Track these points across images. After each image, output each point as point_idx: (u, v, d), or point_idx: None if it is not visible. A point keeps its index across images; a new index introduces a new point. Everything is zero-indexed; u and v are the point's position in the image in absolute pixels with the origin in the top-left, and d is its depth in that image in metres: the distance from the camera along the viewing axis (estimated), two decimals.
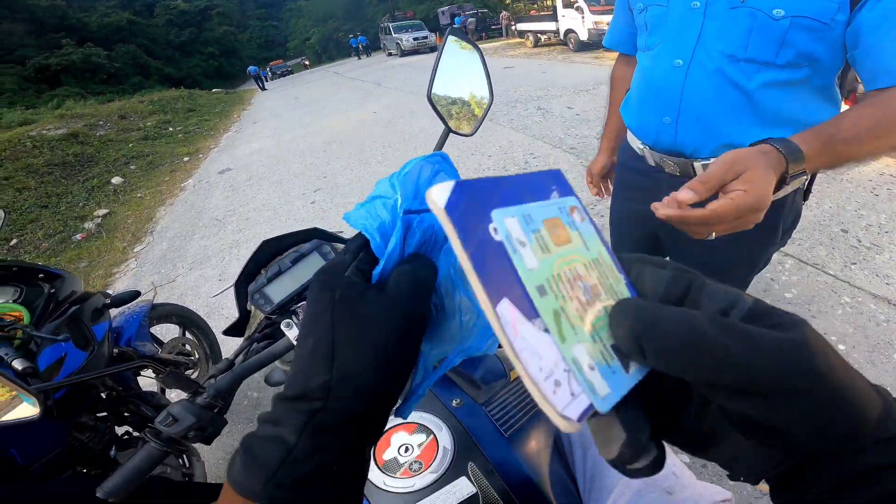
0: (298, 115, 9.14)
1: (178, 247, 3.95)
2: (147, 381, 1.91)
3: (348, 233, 0.85)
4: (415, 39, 18.97)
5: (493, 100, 0.72)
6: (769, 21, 0.78)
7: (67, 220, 5.42)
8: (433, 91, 0.65)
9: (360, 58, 25.12)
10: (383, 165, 4.43)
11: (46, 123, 9.79)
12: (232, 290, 0.78)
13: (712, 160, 0.86)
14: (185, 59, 49.31)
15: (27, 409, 0.71)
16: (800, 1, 0.76)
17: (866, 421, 0.17)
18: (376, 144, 5.24)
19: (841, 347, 1.68)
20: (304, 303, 0.70)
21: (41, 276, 1.26)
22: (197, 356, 1.89)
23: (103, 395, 1.27)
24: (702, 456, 0.22)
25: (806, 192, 1.01)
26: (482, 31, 20.51)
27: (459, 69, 0.71)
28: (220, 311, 2.75)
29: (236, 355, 0.71)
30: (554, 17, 12.73)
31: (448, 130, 0.66)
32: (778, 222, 0.96)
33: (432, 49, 19.15)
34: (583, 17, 11.33)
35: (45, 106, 16.97)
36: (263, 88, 21.38)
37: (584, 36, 11.33)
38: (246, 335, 0.77)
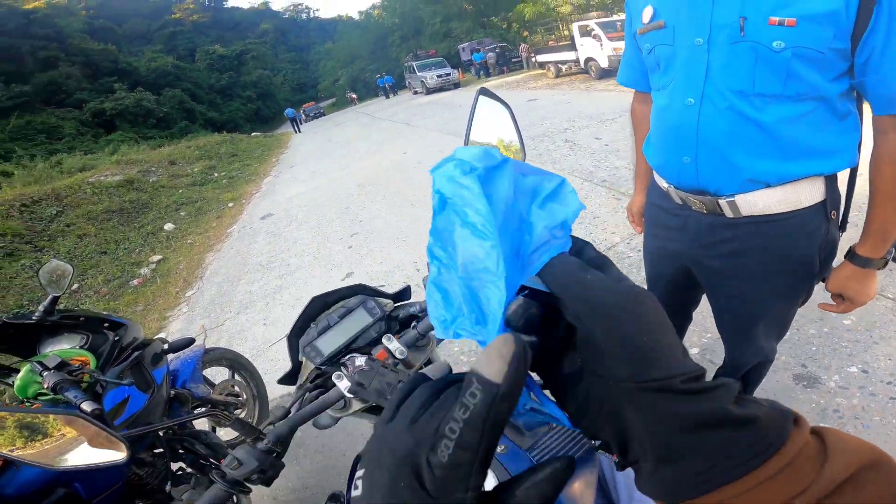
0: (333, 158, 9.52)
1: (225, 291, 4.17)
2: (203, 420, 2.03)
3: (390, 287, 0.93)
4: (438, 77, 19.42)
5: (525, 157, 0.76)
6: (771, 54, 0.80)
7: (125, 266, 5.76)
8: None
9: (387, 97, 25.92)
10: (417, 208, 4.57)
11: (104, 169, 10.48)
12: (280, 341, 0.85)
13: (738, 197, 0.91)
14: (227, 102, 51.46)
15: (110, 453, 0.75)
16: (797, 32, 0.77)
17: (663, 361, 0.23)
18: (409, 187, 5.40)
19: None
20: (353, 355, 0.75)
21: (106, 325, 1.37)
22: (245, 397, 2.02)
23: (161, 433, 1.35)
24: (562, 404, 0.28)
25: (843, 223, 0.99)
26: (503, 65, 20.66)
27: (491, 127, 0.74)
28: (265, 355, 2.90)
29: (292, 404, 0.75)
30: (573, 47, 12.86)
31: None
32: (812, 256, 0.95)
33: (455, 85, 19.45)
34: (601, 45, 11.44)
35: (101, 151, 17.93)
36: (298, 131, 22.34)
37: (604, 63, 11.39)
38: (298, 384, 0.82)
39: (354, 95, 31.96)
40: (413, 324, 0.78)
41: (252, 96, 55.46)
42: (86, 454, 0.61)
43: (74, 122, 31.87)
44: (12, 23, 37.96)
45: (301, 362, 0.83)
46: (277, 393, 2.41)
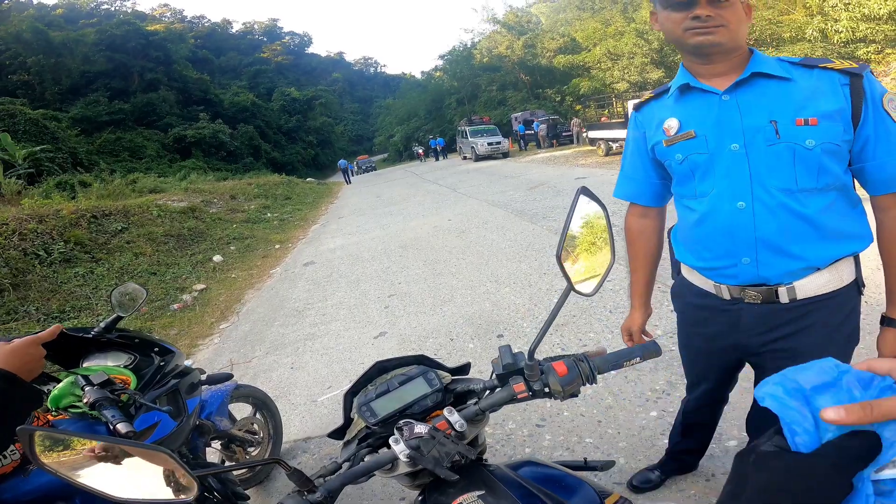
0: (379, 215, 9.79)
1: (259, 330, 4.25)
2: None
3: (449, 362, 0.92)
4: (489, 144, 19.60)
5: (614, 261, 0.79)
6: (806, 152, 0.90)
7: (170, 290, 6.01)
8: (562, 249, 0.72)
9: (437, 159, 26.62)
10: (456, 279, 4.57)
11: (172, 194, 11.21)
12: (330, 396, 0.84)
13: (795, 283, 0.98)
14: (290, 144, 53.23)
15: (178, 491, 0.73)
16: (820, 129, 0.89)
17: None
18: (450, 255, 5.45)
19: None
20: (408, 420, 0.76)
21: (156, 349, 1.40)
22: (262, 435, 2.04)
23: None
24: None
25: None
26: (553, 137, 20.80)
27: (587, 223, 0.79)
28: (286, 397, 2.92)
29: (344, 460, 0.76)
30: (625, 125, 12.81)
31: (570, 289, 0.75)
32: (856, 327, 1.06)
33: (504, 155, 19.66)
34: None
35: (173, 176, 19.15)
36: (349, 182, 23.13)
37: None
38: (345, 439, 0.84)
39: (422, 151, 30.22)
40: (474, 400, 0.80)
41: (313, 142, 57.76)
42: (155, 489, 0.62)
43: (157, 145, 33.87)
44: (133, 42, 41.54)
45: (352, 419, 0.86)
46: (291, 437, 2.43)
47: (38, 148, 16.33)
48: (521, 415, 2.25)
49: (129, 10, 57.96)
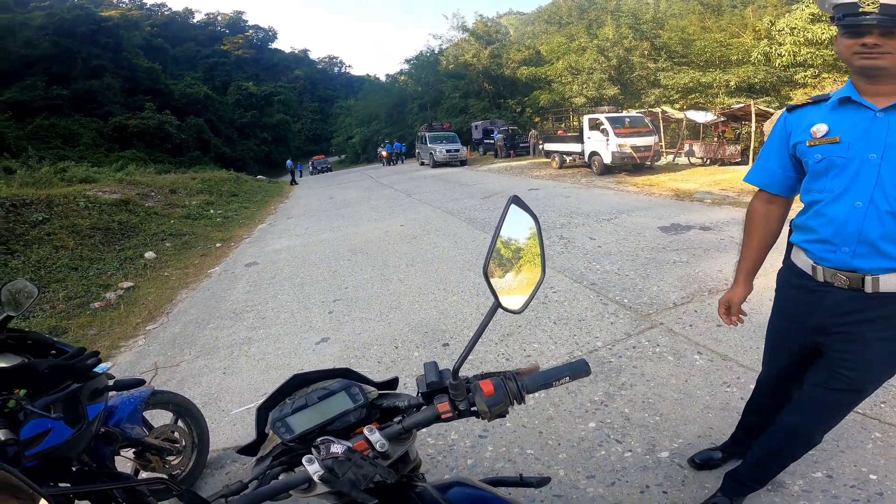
0: (330, 218, 9.51)
1: (190, 332, 3.99)
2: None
3: (394, 369, 0.84)
4: (447, 151, 19.57)
5: (545, 277, 0.77)
6: None
7: (92, 287, 5.62)
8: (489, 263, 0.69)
9: (393, 164, 26.03)
10: (404, 285, 4.48)
11: (105, 185, 10.52)
12: (246, 409, 0.75)
13: (882, 277, 1.13)
14: (242, 140, 51.64)
15: None
16: None
17: None
18: (400, 261, 5.35)
19: (872, 477, 1.72)
20: (326, 437, 0.71)
21: (53, 352, 1.32)
22: (184, 444, 1.95)
23: (73, 468, 1.26)
24: None
25: None
26: (511, 148, 21.07)
27: (517, 236, 0.76)
28: (216, 404, 2.73)
29: (251, 479, 0.70)
30: (580, 139, 13.14)
31: (497, 305, 0.71)
32: None
33: (462, 163, 19.71)
34: (607, 140, 11.69)
35: (109, 167, 18.15)
36: (295, 182, 22.39)
37: (608, 159, 11.70)
38: (259, 455, 0.78)
39: (385, 153, 27.33)
40: (398, 418, 0.76)
41: (268, 139, 56.13)
42: None
43: (94, 133, 32.18)
44: (83, 27, 39.12)
45: (266, 435, 0.79)
46: (220, 445, 2.28)
47: None
48: (464, 426, 2.22)
49: None
